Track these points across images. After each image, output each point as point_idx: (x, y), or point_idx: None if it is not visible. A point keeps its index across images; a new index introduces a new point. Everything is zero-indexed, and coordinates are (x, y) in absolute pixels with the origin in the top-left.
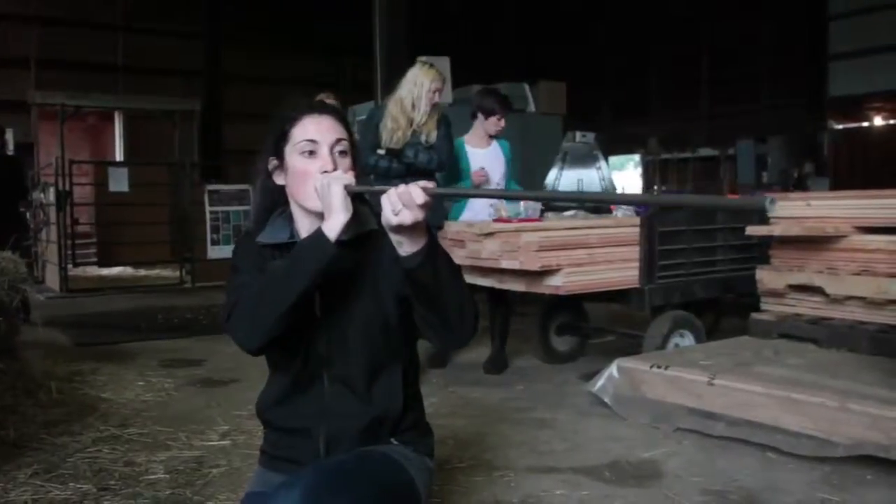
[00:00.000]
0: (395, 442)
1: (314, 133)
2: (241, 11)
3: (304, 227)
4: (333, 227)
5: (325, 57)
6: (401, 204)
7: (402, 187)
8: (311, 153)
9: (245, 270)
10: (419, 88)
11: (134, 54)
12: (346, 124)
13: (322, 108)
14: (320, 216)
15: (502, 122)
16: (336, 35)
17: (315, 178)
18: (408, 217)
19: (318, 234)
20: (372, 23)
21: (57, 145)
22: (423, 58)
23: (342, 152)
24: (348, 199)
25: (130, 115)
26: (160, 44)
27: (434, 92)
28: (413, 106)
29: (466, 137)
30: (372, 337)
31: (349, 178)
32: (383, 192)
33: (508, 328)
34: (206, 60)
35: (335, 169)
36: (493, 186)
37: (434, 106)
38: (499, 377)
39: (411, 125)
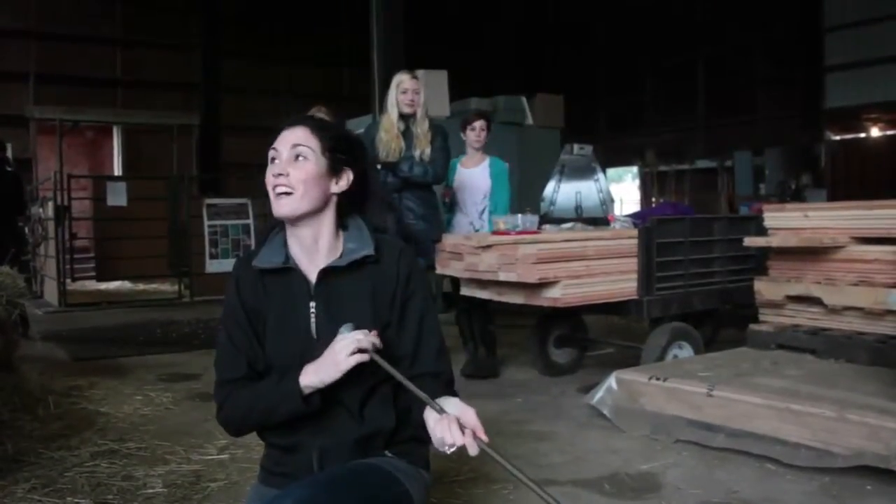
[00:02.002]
0: (389, 454)
1: (277, 142)
2: (239, 25)
3: (295, 245)
4: (311, 385)
5: (323, 70)
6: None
7: (458, 440)
8: (274, 160)
9: (232, 319)
10: (392, 89)
11: (132, 68)
12: (321, 133)
13: (299, 120)
14: (307, 231)
15: (476, 132)
16: (334, 48)
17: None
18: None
19: (293, 390)
20: (370, 36)
21: (55, 160)
22: (420, 71)
23: (298, 158)
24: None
25: (129, 129)
26: (158, 58)
27: (405, 92)
28: (399, 114)
29: (463, 157)
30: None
31: (371, 342)
32: (416, 392)
33: (489, 333)
34: (204, 74)
35: (286, 174)
36: (472, 205)
37: (413, 116)
38: (497, 389)
39: (400, 131)
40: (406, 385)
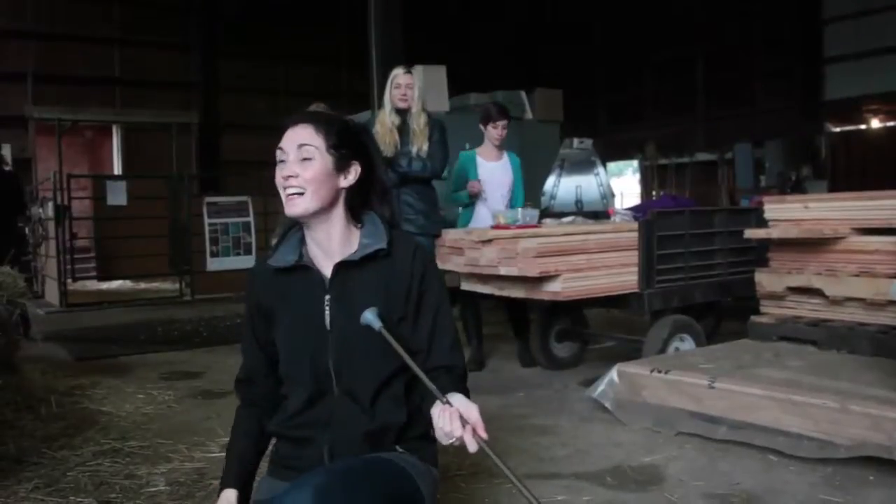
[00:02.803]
0: (400, 450)
1: (283, 142)
2: (238, 23)
3: (311, 242)
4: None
5: (322, 68)
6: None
7: (457, 432)
8: (282, 161)
9: (245, 321)
10: (387, 84)
11: (131, 67)
12: (325, 130)
13: (302, 118)
14: (320, 227)
15: (499, 130)
16: (333, 46)
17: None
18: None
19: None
20: (368, 33)
21: (55, 160)
22: (418, 66)
23: (305, 158)
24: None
25: (128, 128)
26: (157, 56)
27: (398, 86)
28: (394, 109)
29: (479, 150)
30: (377, 351)
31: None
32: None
33: (523, 322)
34: (203, 73)
35: (295, 175)
36: (499, 198)
37: (408, 111)
38: (499, 384)
39: (395, 125)
40: (413, 369)
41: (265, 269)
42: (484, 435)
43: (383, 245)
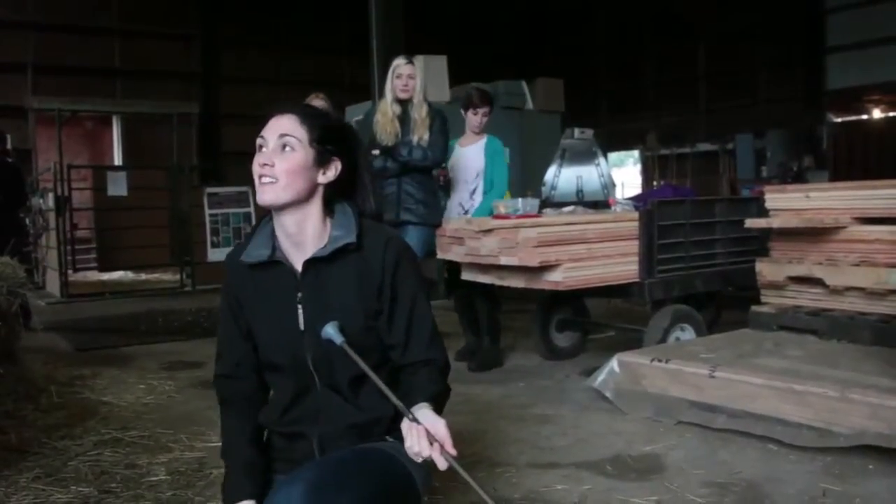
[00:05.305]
0: (391, 439)
1: (265, 130)
2: (238, 13)
3: (281, 235)
4: None
5: (322, 58)
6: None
7: (424, 452)
8: (261, 147)
9: (223, 314)
10: (389, 74)
11: (131, 58)
12: (309, 123)
13: (287, 108)
14: (291, 220)
15: (478, 117)
16: (334, 36)
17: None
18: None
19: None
20: (369, 23)
21: (55, 150)
22: (419, 56)
23: (285, 146)
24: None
25: (128, 118)
26: (157, 47)
27: (400, 76)
28: (395, 99)
29: (460, 138)
30: (352, 347)
31: None
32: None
33: (494, 321)
34: (204, 63)
35: (272, 164)
36: (463, 184)
37: (410, 101)
38: (500, 373)
39: (396, 115)
40: (377, 384)
41: (239, 263)
42: (452, 451)
43: (352, 239)
